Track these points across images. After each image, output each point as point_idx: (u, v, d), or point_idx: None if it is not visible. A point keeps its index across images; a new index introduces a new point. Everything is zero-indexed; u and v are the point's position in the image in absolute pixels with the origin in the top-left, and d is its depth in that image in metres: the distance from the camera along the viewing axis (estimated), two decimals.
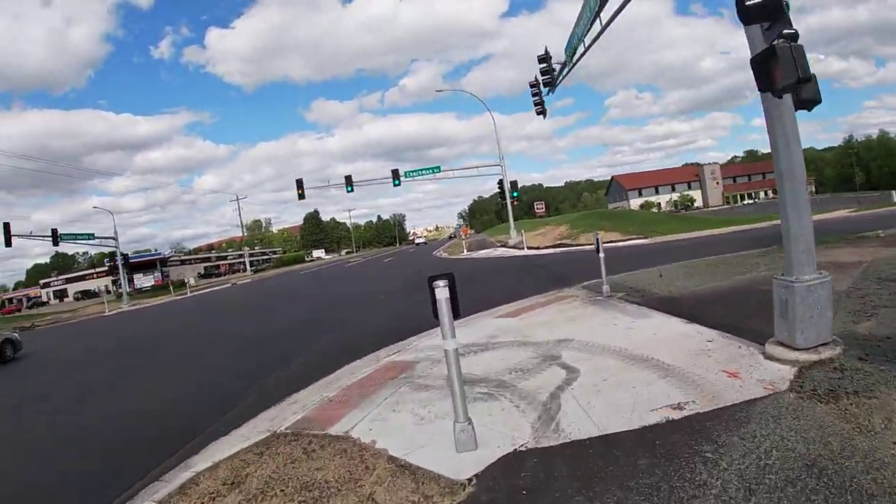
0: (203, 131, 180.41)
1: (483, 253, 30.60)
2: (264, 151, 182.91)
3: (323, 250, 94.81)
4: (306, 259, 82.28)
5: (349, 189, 34.71)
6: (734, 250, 12.14)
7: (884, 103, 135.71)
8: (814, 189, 71.00)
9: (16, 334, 15.10)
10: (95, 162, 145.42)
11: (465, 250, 34.32)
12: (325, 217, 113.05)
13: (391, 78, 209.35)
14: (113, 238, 39.44)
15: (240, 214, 62.22)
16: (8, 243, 29.76)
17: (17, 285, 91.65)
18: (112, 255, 41.10)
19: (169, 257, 70.23)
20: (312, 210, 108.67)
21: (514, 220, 34.64)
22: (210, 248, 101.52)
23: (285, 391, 5.78)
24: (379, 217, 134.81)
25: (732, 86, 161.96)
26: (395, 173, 34.61)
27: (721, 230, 22.87)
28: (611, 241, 23.74)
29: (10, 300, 73.70)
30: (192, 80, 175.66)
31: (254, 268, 68.97)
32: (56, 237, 33.36)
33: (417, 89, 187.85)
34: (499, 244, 35.27)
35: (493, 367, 5.21)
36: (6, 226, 29.68)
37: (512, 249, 29.29)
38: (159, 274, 59.15)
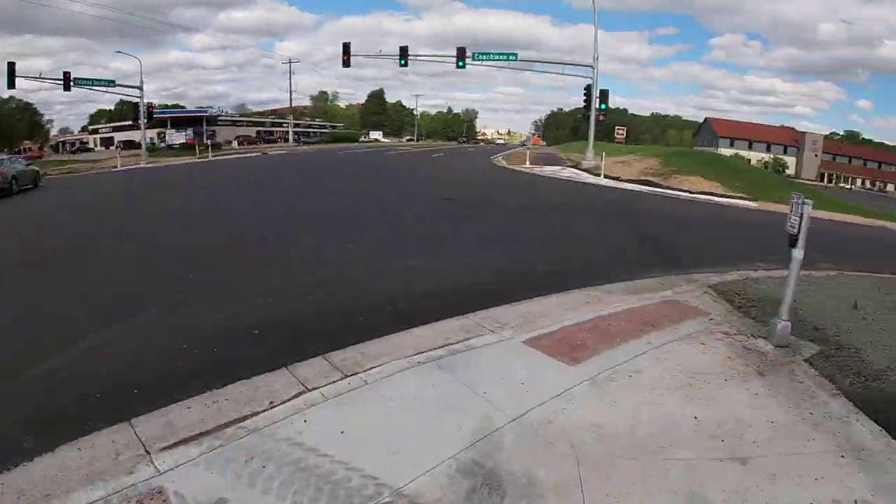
0: None
1: (549, 171, 24.55)
2: (349, 25, 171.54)
3: (380, 133, 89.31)
4: (361, 139, 77.01)
5: (402, 63, 28.32)
6: None
7: None
8: None
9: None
10: (180, 16, 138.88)
11: (527, 161, 27.57)
12: (391, 100, 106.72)
13: None
14: (138, 87, 35.37)
15: (290, 80, 57.27)
16: (11, 85, 28.58)
17: (83, 129, 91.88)
18: (136, 106, 36.49)
19: (217, 116, 65.99)
20: (379, 89, 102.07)
21: (594, 139, 28.04)
22: (273, 112, 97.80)
23: None
24: (450, 109, 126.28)
25: (846, 58, 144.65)
26: (462, 52, 27.51)
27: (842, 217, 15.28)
28: (708, 192, 17.97)
29: (63, 143, 73.25)
30: None
31: (304, 140, 65.08)
32: (67, 81, 30.55)
33: None
34: (569, 163, 28.88)
35: None
36: (10, 65, 28.03)
37: (584, 173, 23.31)
38: (191, 132, 54.92)
